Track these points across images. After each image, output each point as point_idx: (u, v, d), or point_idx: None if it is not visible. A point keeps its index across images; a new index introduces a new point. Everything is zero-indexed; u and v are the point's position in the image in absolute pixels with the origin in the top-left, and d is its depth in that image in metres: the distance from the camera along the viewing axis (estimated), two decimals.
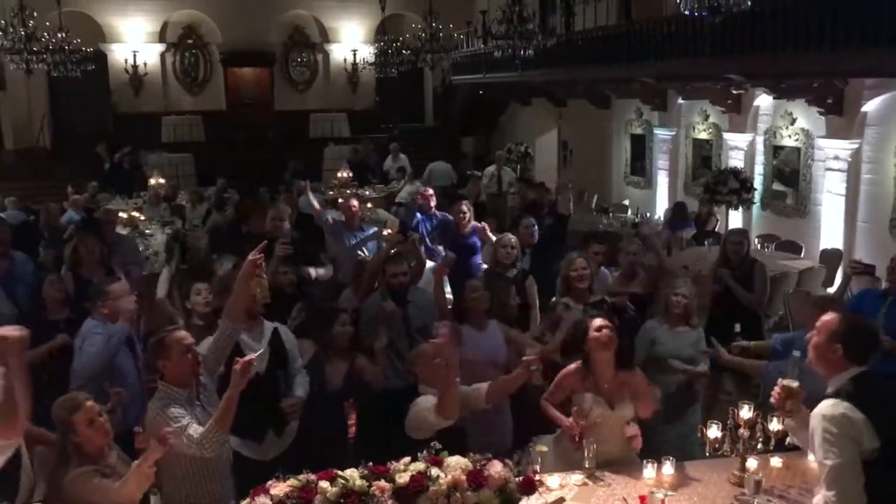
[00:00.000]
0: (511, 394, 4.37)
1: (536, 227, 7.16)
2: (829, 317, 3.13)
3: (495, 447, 3.98)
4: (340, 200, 10.34)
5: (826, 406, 2.97)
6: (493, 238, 7.62)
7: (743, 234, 6.67)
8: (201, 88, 19.11)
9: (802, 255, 9.36)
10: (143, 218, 10.98)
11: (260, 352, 4.01)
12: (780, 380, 3.44)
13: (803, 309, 5.73)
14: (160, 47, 18.67)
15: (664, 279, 5.64)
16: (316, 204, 8.55)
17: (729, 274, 6.11)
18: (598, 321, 4.11)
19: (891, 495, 2.91)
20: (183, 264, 10.19)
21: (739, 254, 6.19)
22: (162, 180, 13.44)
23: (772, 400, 3.41)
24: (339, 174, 13.49)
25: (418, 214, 8.18)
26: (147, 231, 10.37)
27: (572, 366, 4.19)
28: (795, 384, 3.37)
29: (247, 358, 3.67)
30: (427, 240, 7.79)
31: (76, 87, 16.38)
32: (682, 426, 4.67)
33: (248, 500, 3.38)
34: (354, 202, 8.16)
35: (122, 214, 10.11)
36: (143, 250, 9.08)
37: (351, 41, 19.74)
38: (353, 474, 3.53)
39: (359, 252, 7.36)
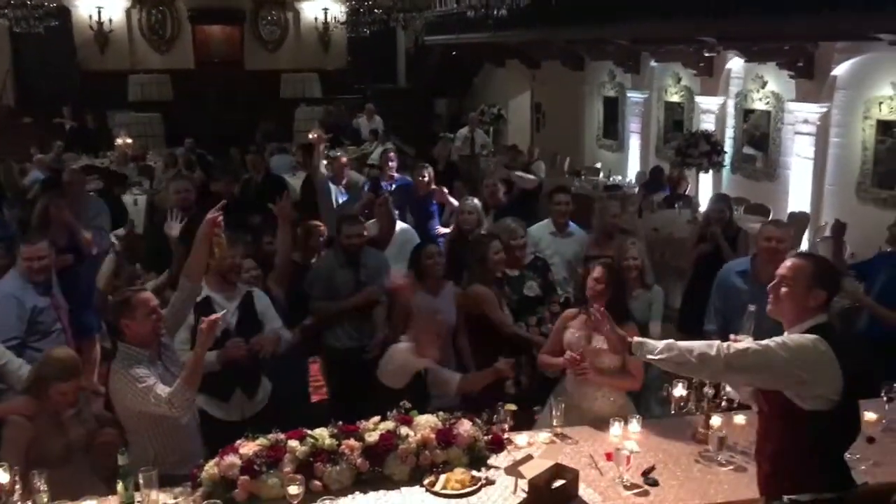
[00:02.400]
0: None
1: (502, 187, 7.13)
2: (798, 261, 2.91)
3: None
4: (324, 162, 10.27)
5: (791, 336, 2.83)
6: (454, 202, 7.62)
7: (724, 199, 6.68)
8: (169, 46, 18.67)
9: (770, 217, 9.45)
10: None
11: (224, 311, 3.96)
12: (732, 337, 3.33)
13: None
14: (125, 3, 18.16)
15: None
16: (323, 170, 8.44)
17: (721, 234, 6.11)
18: (596, 271, 4.17)
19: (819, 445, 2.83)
20: (150, 224, 10.13)
21: (722, 220, 6.21)
22: (129, 140, 13.22)
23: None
24: (310, 135, 13.34)
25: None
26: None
27: (569, 311, 4.30)
28: (743, 338, 3.22)
29: (213, 316, 3.64)
30: None
31: (40, 43, 15.98)
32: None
33: (217, 459, 3.40)
34: (344, 157, 8.16)
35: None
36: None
37: None
38: (322, 433, 3.56)
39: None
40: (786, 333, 2.88)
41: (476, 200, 6.46)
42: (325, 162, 8.83)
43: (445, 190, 7.68)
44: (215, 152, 13.00)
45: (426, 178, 7.66)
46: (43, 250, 4.87)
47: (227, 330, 4.23)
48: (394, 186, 7.96)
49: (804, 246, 8.35)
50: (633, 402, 4.36)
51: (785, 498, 2.81)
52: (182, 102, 17.62)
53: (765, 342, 2.82)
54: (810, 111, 9.15)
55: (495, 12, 10.80)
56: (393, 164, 8.18)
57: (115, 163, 12.16)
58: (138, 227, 9.04)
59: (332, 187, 7.72)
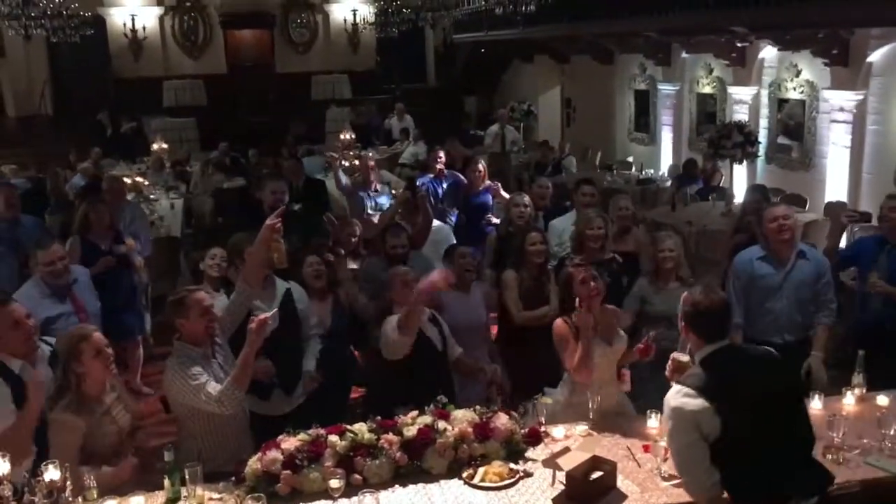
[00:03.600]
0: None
1: (550, 188, 7.12)
2: (684, 296, 3.24)
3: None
4: (345, 163, 10.32)
5: (669, 395, 3.09)
6: (506, 195, 7.62)
7: (761, 189, 6.61)
8: (201, 52, 18.94)
9: (807, 208, 9.34)
10: (146, 183, 11.00)
11: (274, 311, 4.04)
12: (672, 354, 3.61)
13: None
14: (158, 10, 18.47)
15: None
16: (343, 179, 8.44)
17: (757, 224, 6.04)
18: (582, 275, 4.10)
19: (734, 480, 2.97)
20: (188, 229, 10.29)
21: (759, 210, 6.13)
22: (165, 145, 13.44)
23: (666, 373, 3.56)
24: (341, 136, 13.44)
25: (429, 176, 8.14)
26: (151, 196, 10.41)
27: (558, 321, 4.19)
28: (685, 358, 3.47)
29: (262, 316, 3.74)
30: (439, 202, 7.76)
31: (76, 52, 16.30)
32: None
33: (259, 454, 3.47)
34: (371, 161, 8.18)
35: (126, 180, 10.12)
36: (149, 215, 9.12)
37: (350, 0, 19.52)
38: (361, 428, 3.62)
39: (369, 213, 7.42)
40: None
41: (525, 196, 6.45)
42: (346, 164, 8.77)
43: (499, 185, 7.71)
44: (248, 155, 13.19)
45: (480, 173, 7.66)
46: (60, 251, 5.01)
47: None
48: (445, 184, 7.97)
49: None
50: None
51: None
52: (215, 106, 17.86)
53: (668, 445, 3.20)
54: (846, 99, 9.02)
55: (524, 8, 10.78)
56: (441, 160, 8.16)
57: (151, 168, 12.36)
58: (175, 231, 9.22)
59: (361, 191, 7.73)
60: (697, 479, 3.00)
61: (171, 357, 3.80)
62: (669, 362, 3.59)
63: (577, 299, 4.04)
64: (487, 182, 7.65)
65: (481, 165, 7.77)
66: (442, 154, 8.24)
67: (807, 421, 3.11)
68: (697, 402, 2.95)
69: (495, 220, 7.36)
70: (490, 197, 7.63)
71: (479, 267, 5.34)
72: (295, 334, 4.56)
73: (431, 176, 8.02)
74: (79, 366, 3.52)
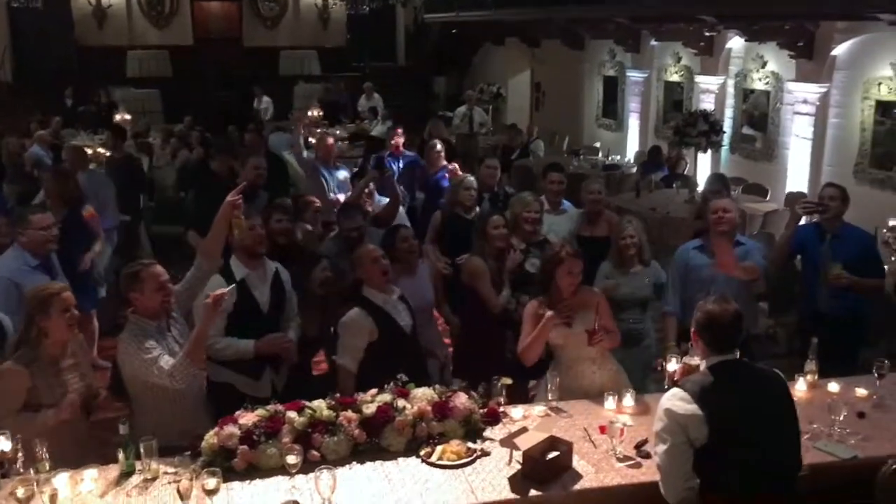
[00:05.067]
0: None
1: (499, 169, 7.12)
2: (698, 304, 3.26)
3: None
4: (312, 140, 10.24)
5: (666, 396, 3.13)
6: None
7: (721, 178, 6.66)
8: (167, 22, 18.58)
9: (768, 198, 9.49)
10: (108, 154, 10.79)
11: (232, 286, 4.01)
12: (684, 358, 3.75)
13: None
14: None
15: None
16: (301, 139, 8.33)
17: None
18: (575, 267, 4.14)
19: (713, 482, 3.01)
20: (150, 202, 10.14)
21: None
22: (128, 116, 13.20)
23: (675, 377, 3.68)
24: (309, 113, 13.31)
25: (385, 153, 8.12)
26: None
27: (530, 302, 4.24)
28: (696, 362, 3.56)
29: (218, 291, 3.71)
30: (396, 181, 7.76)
31: (38, 18, 15.90)
32: (633, 363, 4.72)
33: (216, 429, 3.45)
34: (331, 139, 8.11)
35: (88, 150, 9.92)
36: None
37: None
38: (320, 405, 3.61)
39: (332, 193, 7.35)
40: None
41: (473, 178, 6.44)
42: (312, 140, 8.73)
43: (457, 166, 7.70)
44: (213, 130, 12.99)
45: (438, 153, 7.66)
46: (51, 219, 4.87)
47: (259, 310, 4.32)
48: (402, 163, 7.95)
49: None
50: (640, 372, 4.48)
51: None
52: (180, 79, 17.57)
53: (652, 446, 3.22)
54: (810, 91, 9.15)
55: None
56: (400, 139, 8.15)
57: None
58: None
59: (323, 169, 7.67)
60: (674, 481, 3.04)
61: (124, 330, 3.75)
62: (680, 366, 3.74)
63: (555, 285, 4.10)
64: (444, 163, 7.65)
65: (439, 146, 7.77)
66: (400, 132, 8.22)
67: (796, 448, 3.12)
68: (690, 408, 2.98)
69: None
70: (447, 179, 7.61)
71: (417, 245, 5.29)
72: (283, 313, 4.53)
73: (387, 153, 8.02)
74: (44, 319, 3.50)
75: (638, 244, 4.96)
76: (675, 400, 3.05)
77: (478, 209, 6.07)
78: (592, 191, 5.91)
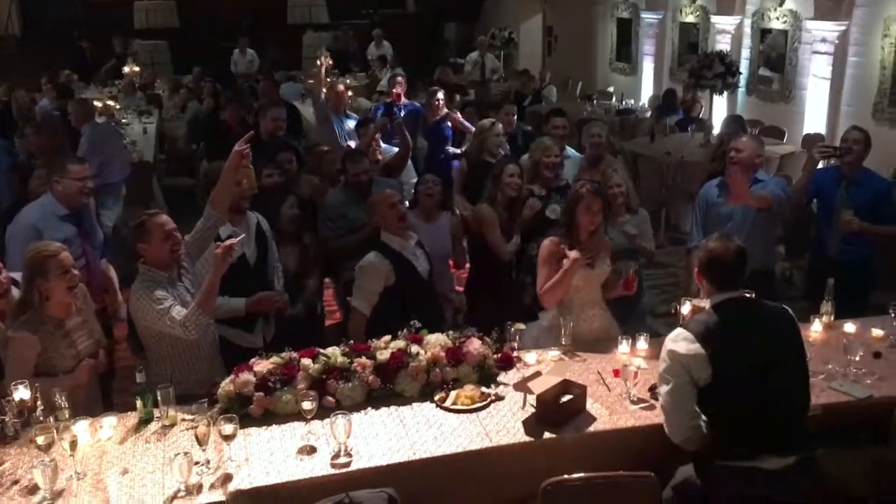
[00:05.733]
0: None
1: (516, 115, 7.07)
2: (701, 243, 3.24)
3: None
4: (324, 89, 10.12)
5: (669, 336, 3.11)
6: (468, 125, 7.58)
7: (738, 120, 6.57)
8: None
9: (785, 140, 9.35)
10: (118, 107, 10.76)
11: (242, 236, 4.01)
12: (692, 300, 3.82)
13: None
14: None
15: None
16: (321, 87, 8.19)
17: None
18: (595, 204, 4.09)
19: (718, 421, 3.01)
20: (161, 154, 10.12)
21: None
22: (137, 68, 13.11)
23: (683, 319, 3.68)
24: (318, 62, 13.14)
25: (385, 103, 8.10)
26: (123, 120, 10.20)
27: (546, 241, 4.18)
28: (704, 304, 3.50)
29: (227, 242, 3.71)
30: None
31: None
32: (629, 310, 4.72)
33: (232, 377, 3.48)
34: (341, 86, 8.06)
35: (97, 103, 9.89)
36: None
37: None
38: (334, 352, 3.63)
39: (343, 141, 7.31)
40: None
41: (500, 124, 6.36)
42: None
43: (459, 113, 7.66)
44: (223, 81, 12.88)
45: (439, 101, 7.61)
46: (88, 170, 4.77)
47: (247, 264, 4.32)
48: (403, 112, 7.89)
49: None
50: (639, 320, 4.46)
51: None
52: (188, 29, 17.37)
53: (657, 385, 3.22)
54: (828, 29, 8.92)
55: None
56: (402, 88, 8.10)
57: (122, 91, 12.08)
58: (148, 156, 9.07)
59: (334, 117, 7.63)
60: (678, 420, 3.04)
61: (135, 281, 3.75)
62: (690, 309, 3.76)
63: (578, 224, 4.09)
64: (446, 111, 7.63)
65: (441, 94, 7.75)
66: (401, 79, 8.15)
67: (804, 385, 3.09)
68: (693, 347, 2.98)
69: (454, 150, 7.36)
70: (450, 126, 7.59)
71: (443, 196, 5.28)
72: (267, 263, 4.54)
73: (388, 101, 7.99)
74: (44, 283, 3.49)
75: (625, 192, 4.90)
76: (678, 340, 3.04)
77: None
78: (594, 134, 5.86)
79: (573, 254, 4.00)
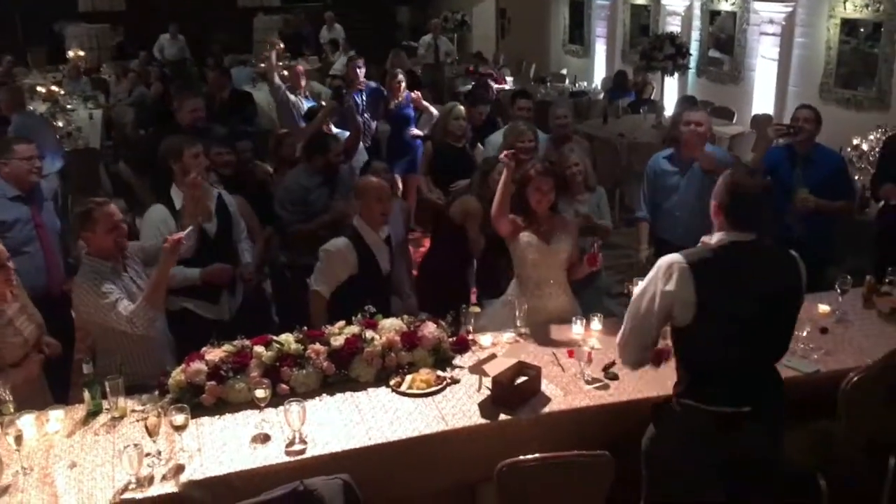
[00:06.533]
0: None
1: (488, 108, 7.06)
2: (724, 174, 2.94)
3: None
4: (284, 73, 9.99)
5: (662, 267, 2.84)
6: (430, 107, 7.55)
7: (691, 100, 6.65)
8: None
9: (734, 120, 9.49)
10: (62, 92, 10.49)
11: (190, 229, 3.93)
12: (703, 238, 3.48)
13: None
14: None
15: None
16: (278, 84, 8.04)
17: None
18: (544, 184, 4.10)
19: (690, 360, 2.91)
20: (108, 140, 9.89)
21: None
22: (81, 52, 12.78)
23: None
24: (268, 46, 12.93)
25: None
26: (68, 106, 9.94)
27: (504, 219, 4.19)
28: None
29: (176, 236, 3.65)
30: (361, 113, 7.68)
31: None
32: (589, 290, 4.74)
33: (183, 366, 3.41)
34: (300, 66, 7.99)
35: (41, 89, 9.63)
36: (66, 125, 8.73)
37: None
38: (288, 338, 3.59)
39: (301, 122, 7.25)
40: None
41: (462, 107, 6.33)
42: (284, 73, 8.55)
43: (420, 95, 7.63)
44: (172, 65, 12.63)
45: (400, 83, 7.60)
46: (35, 150, 4.60)
47: (207, 237, 4.28)
48: (365, 95, 7.82)
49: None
50: (595, 300, 4.49)
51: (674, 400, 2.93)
52: (134, 13, 16.97)
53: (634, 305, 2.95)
54: (775, 11, 9.07)
55: None
56: (361, 70, 8.00)
57: (67, 76, 11.76)
58: (94, 142, 8.85)
59: (291, 97, 7.55)
60: (633, 348, 2.98)
61: (79, 273, 3.65)
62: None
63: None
64: (407, 92, 7.60)
65: (401, 76, 7.73)
66: (361, 63, 8.08)
67: (788, 332, 2.94)
68: (681, 284, 2.75)
69: (416, 132, 7.38)
70: (412, 108, 7.56)
71: (394, 180, 5.25)
72: (231, 237, 4.54)
73: (359, 89, 7.90)
74: None
75: (583, 171, 4.92)
76: (671, 270, 2.79)
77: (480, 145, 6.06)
78: (559, 115, 5.93)
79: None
